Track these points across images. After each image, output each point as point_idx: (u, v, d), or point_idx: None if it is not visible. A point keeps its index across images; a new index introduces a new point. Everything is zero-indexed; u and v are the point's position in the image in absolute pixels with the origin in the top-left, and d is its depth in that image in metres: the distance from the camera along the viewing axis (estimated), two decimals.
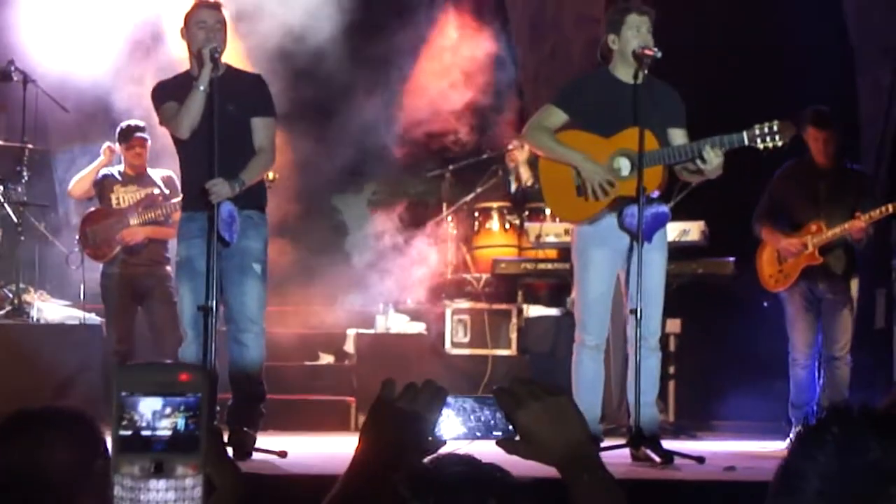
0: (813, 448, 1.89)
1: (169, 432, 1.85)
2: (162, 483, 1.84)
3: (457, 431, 2.39)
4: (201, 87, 6.68)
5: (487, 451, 2.24)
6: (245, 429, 6.82)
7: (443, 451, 2.32)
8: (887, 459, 1.84)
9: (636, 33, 6.76)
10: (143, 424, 1.84)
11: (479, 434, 2.39)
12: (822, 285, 8.39)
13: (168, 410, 1.84)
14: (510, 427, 2.32)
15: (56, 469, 2.66)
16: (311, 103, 11.12)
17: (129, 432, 1.84)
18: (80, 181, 9.34)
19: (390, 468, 2.27)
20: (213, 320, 6.63)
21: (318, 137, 11.32)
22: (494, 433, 2.37)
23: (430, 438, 2.37)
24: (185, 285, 6.85)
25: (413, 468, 2.17)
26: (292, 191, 10.93)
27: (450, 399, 2.39)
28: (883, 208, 8.08)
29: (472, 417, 2.40)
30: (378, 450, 2.35)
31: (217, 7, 6.90)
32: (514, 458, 2.31)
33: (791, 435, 8.29)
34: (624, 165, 6.76)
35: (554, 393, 2.33)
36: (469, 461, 2.11)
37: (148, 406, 1.84)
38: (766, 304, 8.74)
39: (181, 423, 1.85)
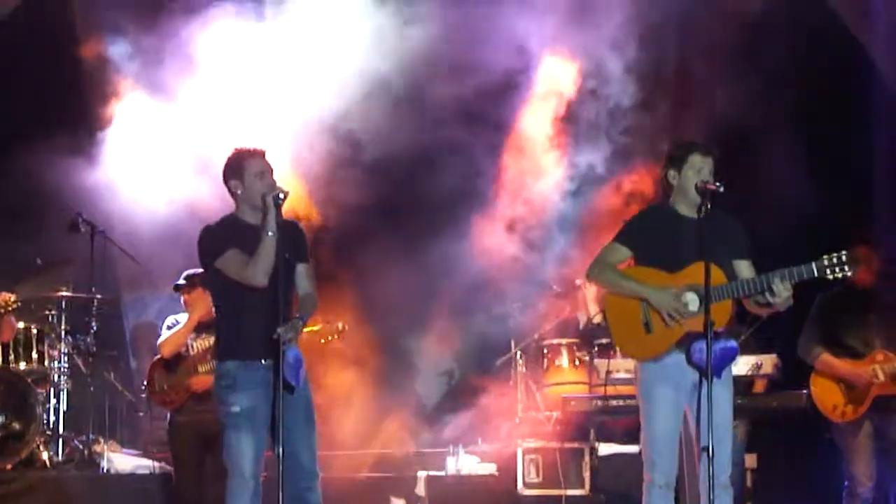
0: None
1: None
2: None
3: None
4: (270, 233, 6.70)
5: None
6: None
7: None
8: None
9: (697, 174, 6.72)
10: None
11: None
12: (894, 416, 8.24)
13: None
14: None
15: None
16: (380, 240, 11.21)
17: None
18: (174, 341, 9.01)
19: None
20: (281, 467, 6.58)
21: (385, 275, 11.36)
22: None
23: None
24: (247, 435, 6.74)
25: None
26: (364, 331, 10.94)
27: None
28: None
29: None
30: None
31: (264, 153, 6.98)
32: None
33: None
34: (692, 300, 6.67)
35: None
36: None
37: None
38: (829, 436, 8.55)
39: None
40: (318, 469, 6.88)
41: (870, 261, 8.44)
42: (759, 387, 9.45)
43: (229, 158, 7.01)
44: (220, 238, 6.92)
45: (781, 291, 6.53)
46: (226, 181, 7.01)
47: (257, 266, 6.72)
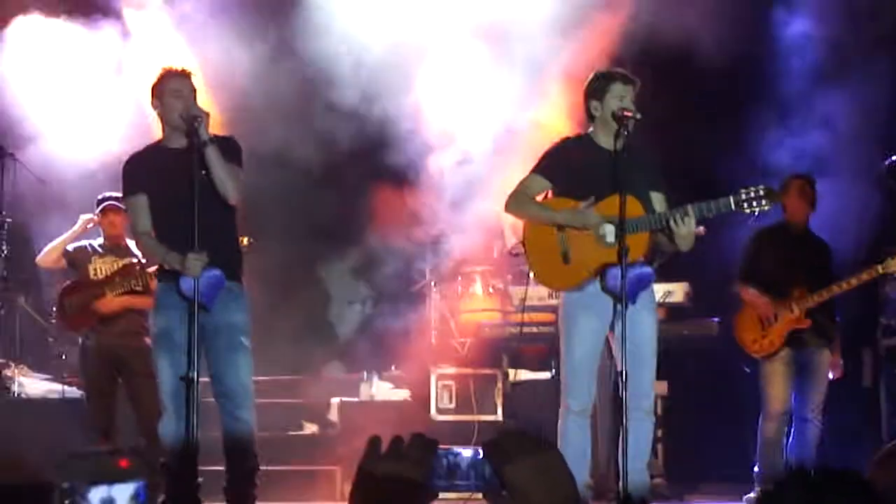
0: None
1: None
2: None
3: (446, 484, 2.34)
4: (168, 263, 6.68)
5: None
6: None
7: None
8: None
9: (619, 102, 6.69)
10: None
11: (468, 487, 2.34)
12: (810, 348, 8.34)
13: (117, 497, 1.84)
14: (499, 481, 2.27)
15: None
16: (295, 168, 11.14)
17: None
18: (48, 251, 9.15)
19: None
20: (196, 392, 6.50)
21: (303, 204, 11.29)
22: (484, 487, 2.32)
23: (420, 493, 2.32)
24: (164, 357, 6.68)
25: None
26: (276, 259, 10.88)
27: (441, 451, 2.34)
28: None
29: (462, 471, 2.35)
30: None
31: (188, 75, 6.79)
32: None
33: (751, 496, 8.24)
34: (609, 232, 6.66)
35: (543, 448, 2.27)
36: None
37: (98, 494, 1.84)
38: (747, 369, 8.66)
39: None
40: (246, 397, 6.77)
41: (807, 196, 8.46)
42: (669, 314, 9.55)
43: (155, 78, 6.84)
44: (135, 177, 6.83)
45: (681, 227, 6.54)
46: (151, 103, 6.84)
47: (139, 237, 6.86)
